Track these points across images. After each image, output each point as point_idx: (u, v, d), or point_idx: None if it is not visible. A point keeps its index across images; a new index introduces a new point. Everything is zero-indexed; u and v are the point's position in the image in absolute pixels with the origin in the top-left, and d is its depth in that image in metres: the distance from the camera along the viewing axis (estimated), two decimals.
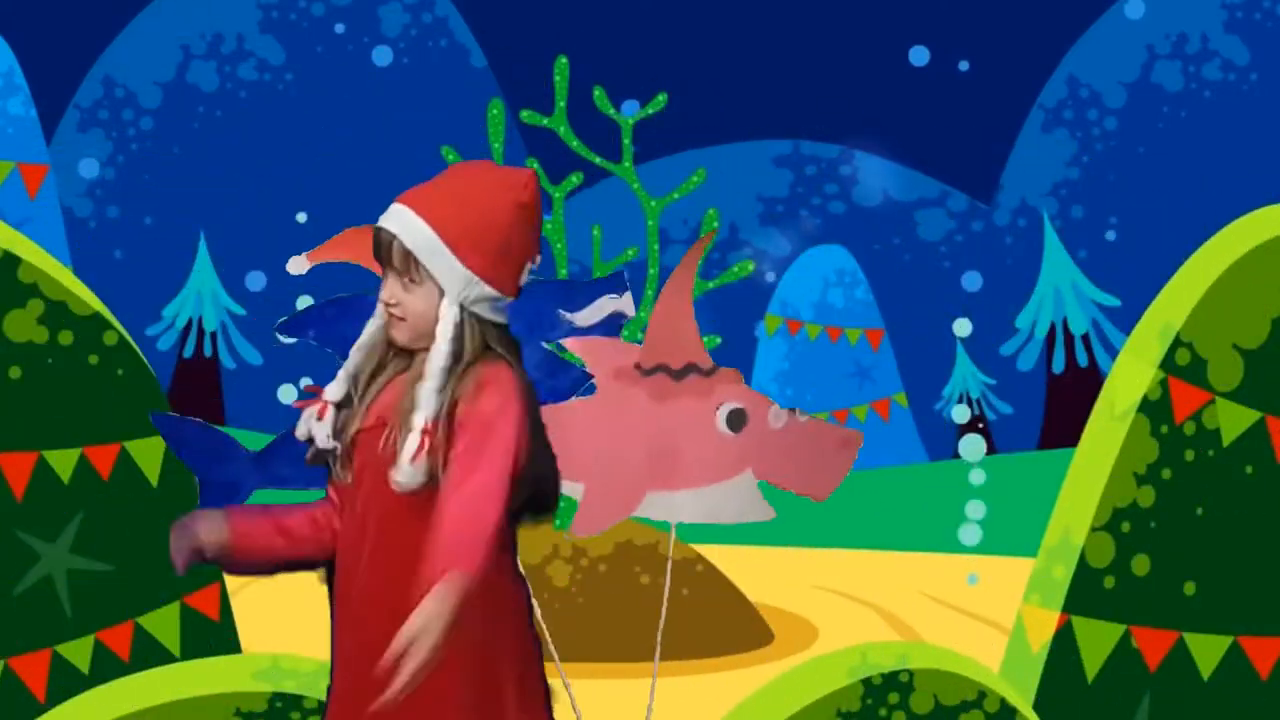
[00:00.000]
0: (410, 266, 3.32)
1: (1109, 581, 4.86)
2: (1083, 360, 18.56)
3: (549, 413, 3.45)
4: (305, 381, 3.49)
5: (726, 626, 9.56)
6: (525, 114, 10.27)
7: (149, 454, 4.81)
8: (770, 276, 17.52)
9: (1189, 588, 4.92)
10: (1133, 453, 4.85)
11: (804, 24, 18.00)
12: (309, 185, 17.02)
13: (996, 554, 9.46)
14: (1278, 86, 17.98)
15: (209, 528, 3.41)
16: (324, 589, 3.44)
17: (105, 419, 4.74)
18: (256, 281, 17.28)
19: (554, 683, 3.48)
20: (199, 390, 17.59)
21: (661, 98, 10.42)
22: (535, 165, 10.19)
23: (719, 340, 9.28)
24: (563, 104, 10.25)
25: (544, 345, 4.00)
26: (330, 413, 3.40)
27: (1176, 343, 4.88)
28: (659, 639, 4.35)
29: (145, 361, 5.05)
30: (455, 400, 3.29)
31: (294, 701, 4.31)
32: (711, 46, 17.77)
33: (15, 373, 4.59)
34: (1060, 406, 18.35)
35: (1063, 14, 18.31)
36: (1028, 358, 18.63)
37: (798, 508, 4.40)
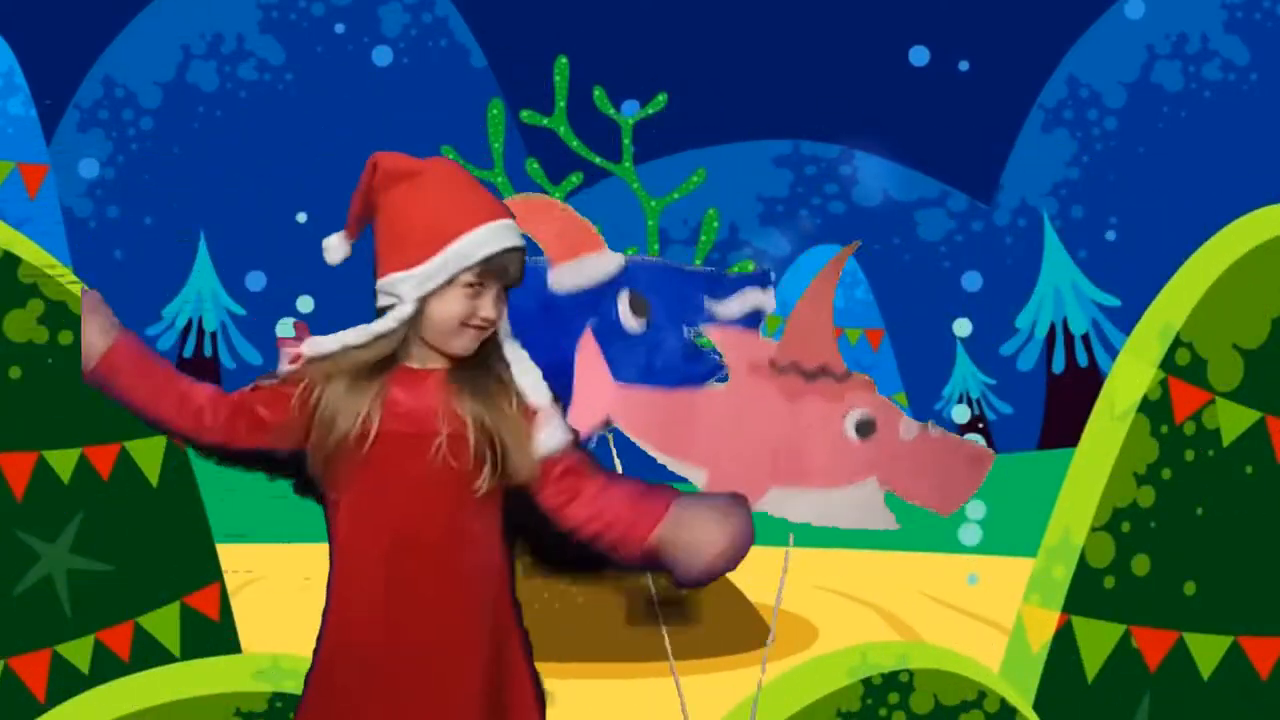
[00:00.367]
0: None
1: (1109, 581, 4.86)
2: (1083, 360, 18.56)
3: (681, 395, 3.49)
4: (294, 320, 3.48)
5: (726, 626, 9.55)
6: (525, 114, 10.27)
7: (149, 454, 4.81)
8: (770, 276, 17.53)
9: (1189, 588, 4.91)
10: (1133, 453, 4.84)
11: (804, 24, 18.00)
12: (309, 185, 17.01)
13: (996, 554, 9.45)
14: (1278, 86, 17.98)
15: (102, 325, 3.45)
16: (324, 590, 3.43)
17: (105, 419, 4.72)
18: (256, 281, 17.28)
19: (549, 686, 3.49)
20: None
21: (661, 98, 10.42)
22: (535, 165, 10.19)
23: None
24: (563, 104, 10.25)
25: (684, 330, 4.05)
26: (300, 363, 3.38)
27: (1176, 343, 4.88)
28: (772, 632, 4.35)
29: None
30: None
31: (294, 701, 4.30)
32: (711, 46, 17.78)
33: (15, 373, 4.58)
34: (1060, 406, 18.35)
35: (1063, 14, 18.32)
36: (1028, 358, 18.63)
37: None
